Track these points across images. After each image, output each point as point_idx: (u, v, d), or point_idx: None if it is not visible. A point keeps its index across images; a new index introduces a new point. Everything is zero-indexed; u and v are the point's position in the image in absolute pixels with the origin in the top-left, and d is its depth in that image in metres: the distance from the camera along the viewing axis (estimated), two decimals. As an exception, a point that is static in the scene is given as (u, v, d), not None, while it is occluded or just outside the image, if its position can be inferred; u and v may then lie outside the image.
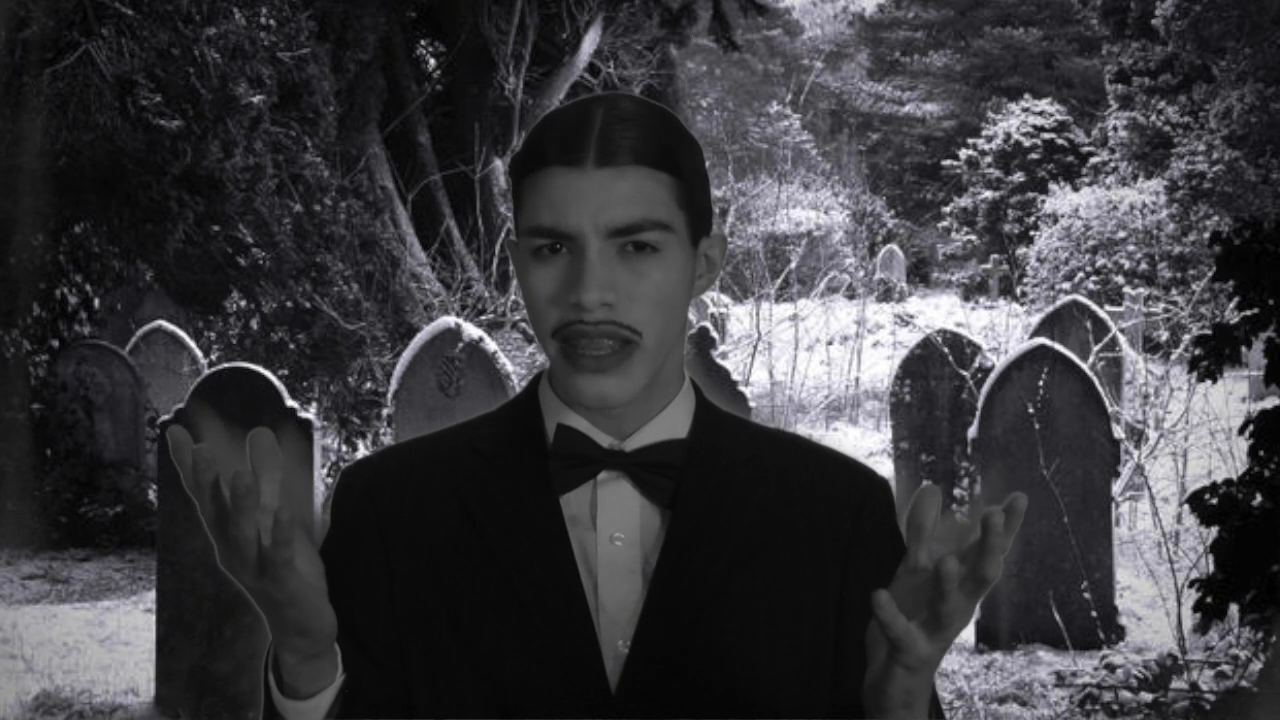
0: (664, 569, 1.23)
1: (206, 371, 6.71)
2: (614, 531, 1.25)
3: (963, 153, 28.03)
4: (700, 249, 1.28)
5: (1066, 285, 18.28)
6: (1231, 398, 10.55)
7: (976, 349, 8.45)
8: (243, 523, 1.06)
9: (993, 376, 6.37)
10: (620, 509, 1.25)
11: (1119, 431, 6.47)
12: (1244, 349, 4.18)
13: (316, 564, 1.13)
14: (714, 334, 8.35)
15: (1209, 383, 4.32)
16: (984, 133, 27.88)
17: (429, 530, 1.26)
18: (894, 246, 25.75)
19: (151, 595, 6.25)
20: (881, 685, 1.09)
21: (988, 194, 26.77)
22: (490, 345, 6.70)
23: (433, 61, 16.35)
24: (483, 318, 10.33)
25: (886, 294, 22.97)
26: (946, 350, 8.28)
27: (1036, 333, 9.90)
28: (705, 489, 1.27)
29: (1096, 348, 9.16)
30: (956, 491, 8.29)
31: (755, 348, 11.84)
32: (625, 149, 1.21)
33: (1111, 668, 5.23)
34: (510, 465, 1.28)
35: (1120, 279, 18.19)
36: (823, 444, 1.40)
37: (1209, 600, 3.99)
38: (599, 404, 1.23)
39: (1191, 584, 4.24)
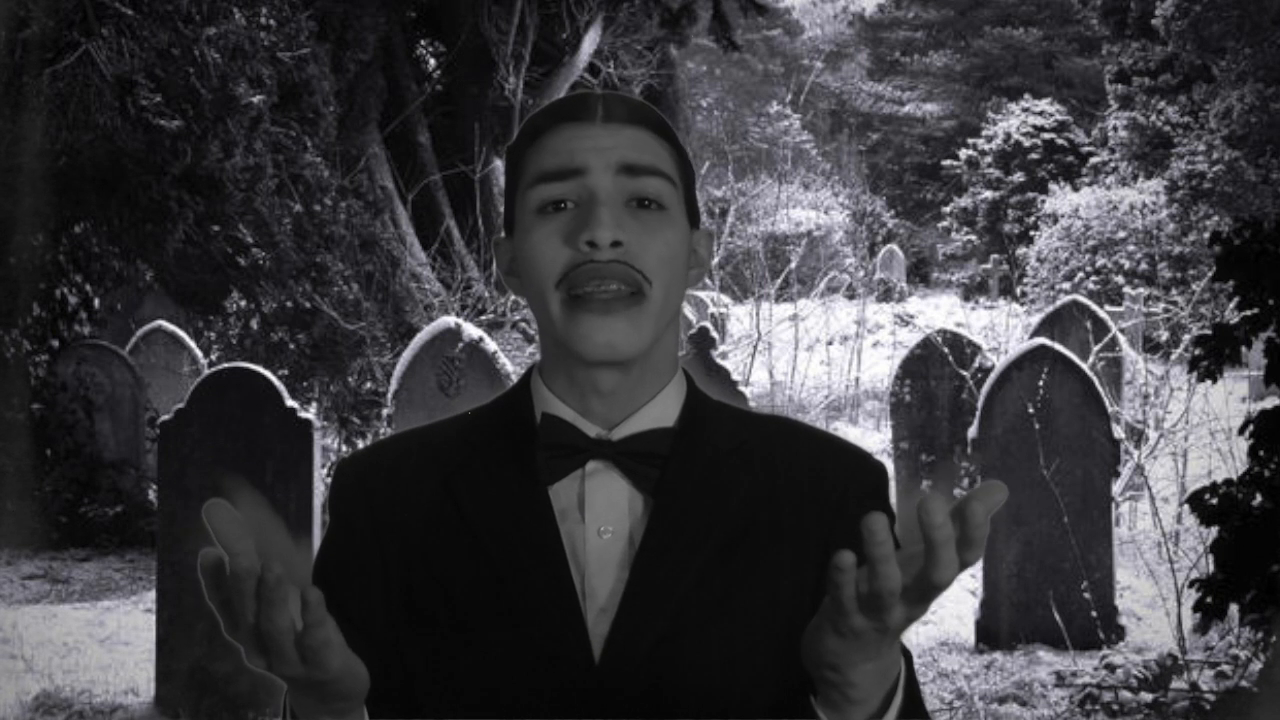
0: (643, 560, 1.22)
1: (206, 371, 6.71)
2: (602, 524, 1.23)
3: (963, 153, 28.03)
4: (693, 240, 1.29)
5: (1066, 285, 18.27)
6: (1231, 398, 10.54)
7: (976, 349, 8.45)
8: (277, 617, 0.98)
9: (993, 376, 6.37)
10: (608, 500, 1.24)
11: (1119, 431, 6.46)
12: (1244, 349, 4.17)
13: (331, 622, 1.02)
14: (714, 334, 8.34)
15: (1209, 383, 4.31)
16: (984, 133, 27.88)
17: (421, 523, 1.26)
18: (894, 246, 25.74)
19: (151, 595, 6.25)
20: (819, 652, 1.05)
21: (988, 194, 26.78)
22: (490, 345, 6.69)
23: (433, 61, 16.36)
24: (483, 318, 10.32)
25: (886, 294, 22.95)
26: (946, 350, 8.28)
27: (1036, 333, 9.90)
28: (689, 479, 1.25)
29: (1096, 348, 9.15)
30: (956, 491, 8.30)
31: (755, 348, 11.82)
32: (628, 112, 1.27)
33: (1111, 668, 5.23)
34: (498, 456, 1.27)
35: (1120, 279, 18.19)
36: (817, 428, 1.37)
37: (1209, 600, 3.99)
38: (607, 353, 1.21)
39: (1191, 584, 4.24)
